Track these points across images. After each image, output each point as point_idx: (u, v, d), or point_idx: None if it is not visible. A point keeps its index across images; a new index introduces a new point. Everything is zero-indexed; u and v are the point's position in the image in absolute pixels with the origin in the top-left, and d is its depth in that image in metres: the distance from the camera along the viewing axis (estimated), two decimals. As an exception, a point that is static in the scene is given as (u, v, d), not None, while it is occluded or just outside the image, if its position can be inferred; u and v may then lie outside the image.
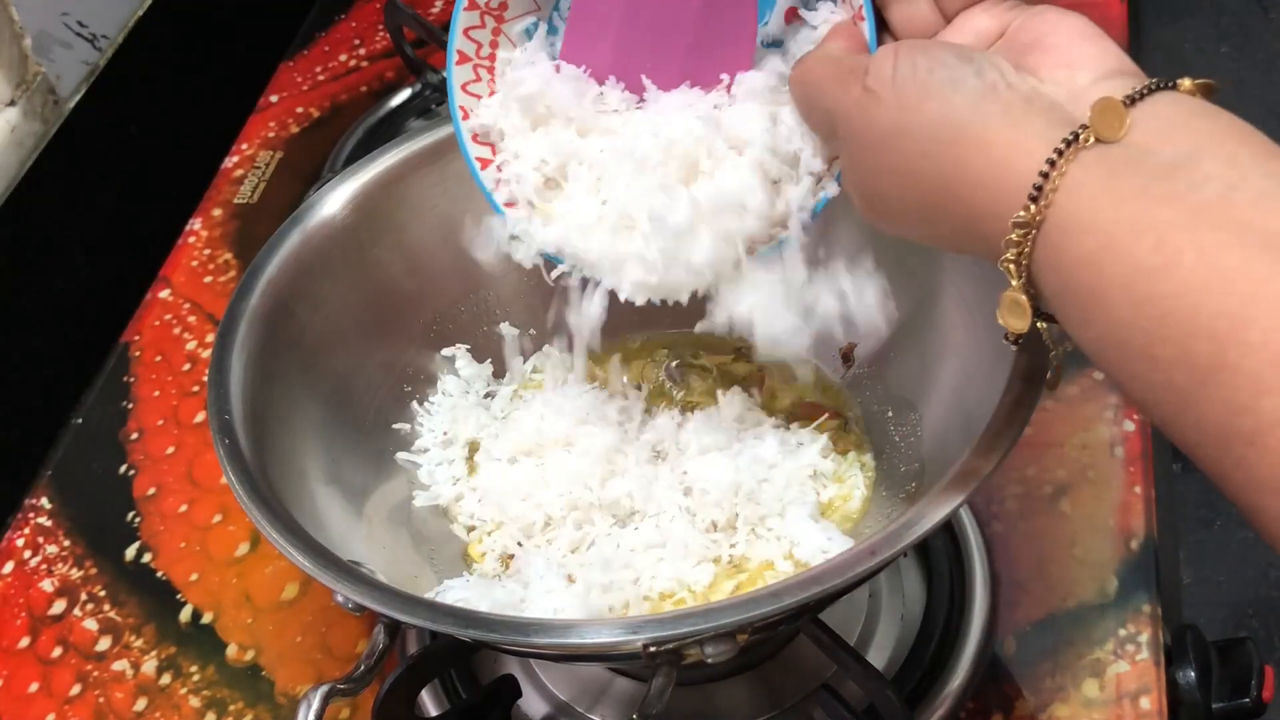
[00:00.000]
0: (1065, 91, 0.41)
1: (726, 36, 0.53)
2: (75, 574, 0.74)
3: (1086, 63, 0.42)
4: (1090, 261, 0.37)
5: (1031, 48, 0.43)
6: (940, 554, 0.64)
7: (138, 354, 0.85)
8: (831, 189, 0.50)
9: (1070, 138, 0.38)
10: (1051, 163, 0.38)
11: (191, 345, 0.85)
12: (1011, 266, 0.39)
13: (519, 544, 0.58)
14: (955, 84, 0.41)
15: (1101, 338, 0.37)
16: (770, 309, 0.53)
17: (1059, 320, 0.40)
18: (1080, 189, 0.37)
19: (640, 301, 0.53)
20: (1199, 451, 0.36)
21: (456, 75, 0.55)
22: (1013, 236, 0.39)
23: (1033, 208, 0.38)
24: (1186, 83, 0.40)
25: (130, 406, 0.82)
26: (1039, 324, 0.41)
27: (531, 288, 0.66)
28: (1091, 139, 0.38)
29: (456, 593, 0.55)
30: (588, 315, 0.56)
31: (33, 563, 0.75)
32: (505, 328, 0.67)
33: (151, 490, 0.77)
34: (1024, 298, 0.40)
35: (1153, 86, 0.39)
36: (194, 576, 0.72)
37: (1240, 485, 0.35)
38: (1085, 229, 0.37)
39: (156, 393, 0.83)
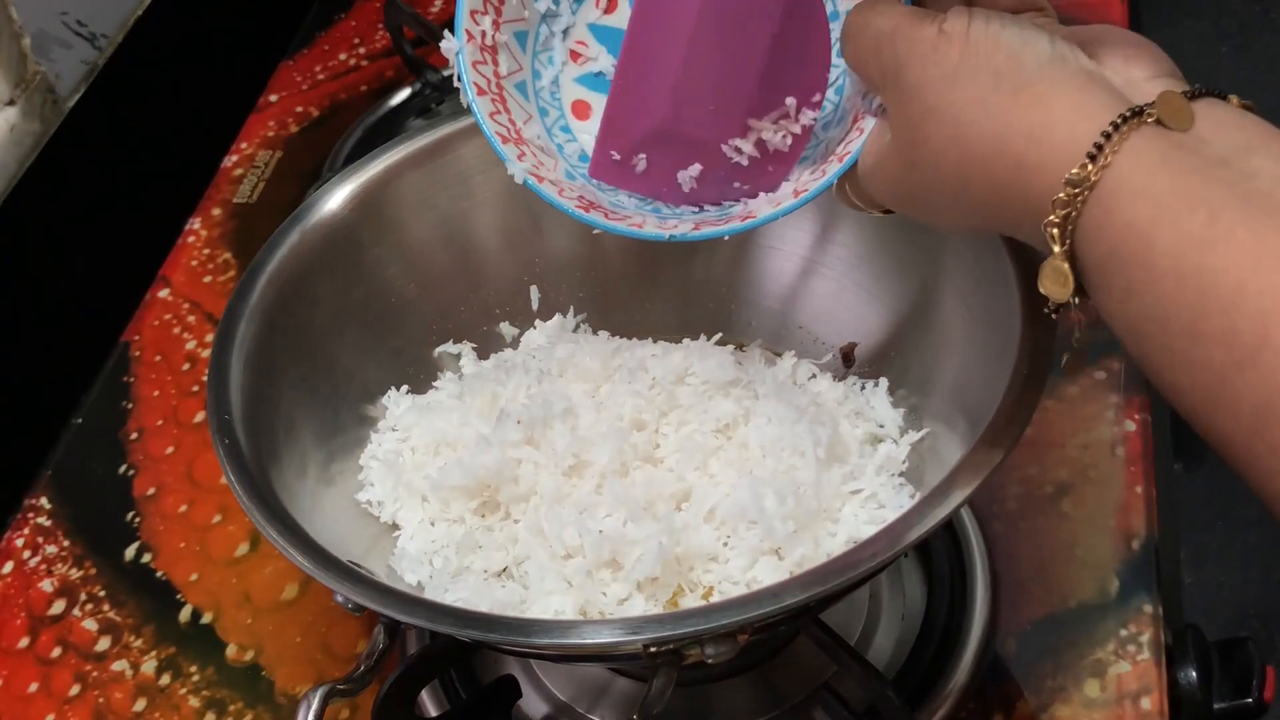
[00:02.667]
0: (1123, 81, 0.41)
1: (802, 56, 0.50)
2: (75, 574, 0.74)
3: (1142, 62, 0.42)
4: (1140, 229, 0.37)
5: (1088, 42, 0.43)
6: (941, 554, 0.64)
7: (137, 354, 0.85)
8: (868, 125, 0.47)
9: (1136, 109, 0.38)
10: (1115, 125, 0.38)
11: (191, 345, 0.85)
12: (1055, 231, 0.39)
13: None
14: (1027, 43, 0.41)
15: (1143, 312, 0.37)
16: None
17: (1098, 293, 0.39)
18: (1139, 156, 0.38)
19: None
20: (1232, 437, 0.36)
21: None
22: (1062, 195, 0.38)
23: (1090, 166, 0.38)
24: (1234, 99, 0.40)
25: (130, 406, 0.82)
26: (1074, 299, 0.40)
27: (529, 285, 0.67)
28: (1154, 118, 0.38)
29: (456, 593, 0.55)
30: None
31: (32, 563, 0.75)
32: (505, 327, 0.67)
33: (151, 490, 0.77)
34: (1066, 265, 0.39)
35: (1206, 90, 0.40)
36: (194, 576, 0.72)
37: (1272, 473, 0.34)
38: (1139, 195, 0.37)
39: (156, 392, 0.83)
